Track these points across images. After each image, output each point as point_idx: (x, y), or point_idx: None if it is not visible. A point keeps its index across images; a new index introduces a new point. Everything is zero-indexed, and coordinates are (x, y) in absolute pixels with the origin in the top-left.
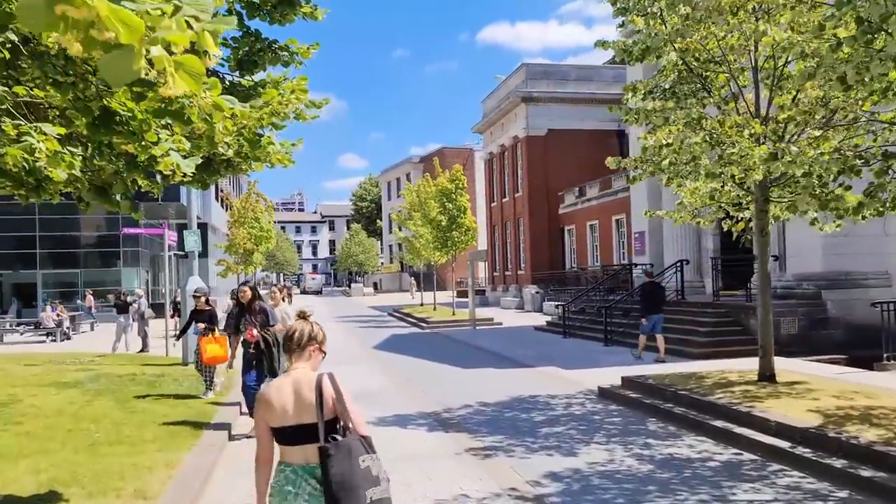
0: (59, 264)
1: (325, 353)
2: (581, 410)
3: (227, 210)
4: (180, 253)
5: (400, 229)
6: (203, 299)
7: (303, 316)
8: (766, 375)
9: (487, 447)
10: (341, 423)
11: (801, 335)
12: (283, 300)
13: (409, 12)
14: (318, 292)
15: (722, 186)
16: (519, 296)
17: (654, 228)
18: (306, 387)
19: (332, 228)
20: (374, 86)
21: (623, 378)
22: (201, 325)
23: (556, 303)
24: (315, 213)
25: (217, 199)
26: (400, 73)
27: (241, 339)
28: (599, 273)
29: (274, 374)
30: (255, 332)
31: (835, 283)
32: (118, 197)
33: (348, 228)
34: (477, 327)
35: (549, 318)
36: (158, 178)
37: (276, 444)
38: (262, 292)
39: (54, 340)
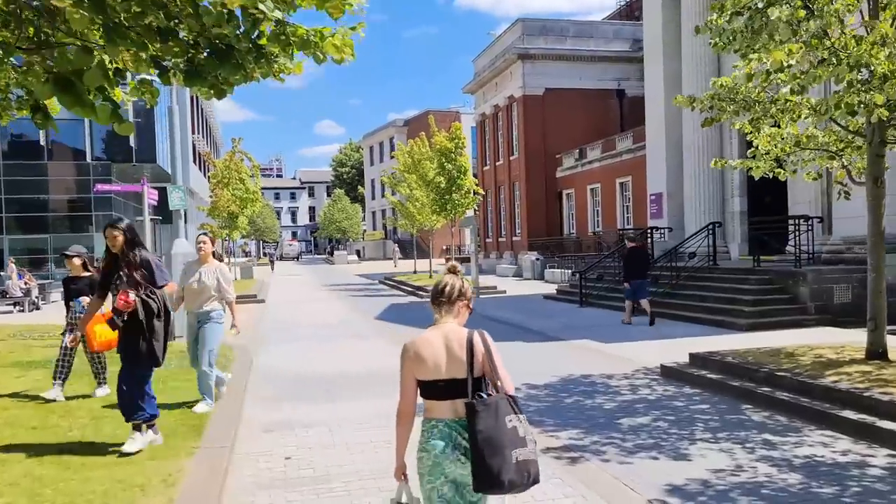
0: (26, 229)
1: (472, 310)
2: (653, 395)
3: (206, 175)
4: (157, 217)
5: (393, 193)
6: (79, 261)
7: (453, 270)
8: (878, 353)
9: (568, 446)
10: (487, 382)
11: (856, 304)
12: (221, 258)
13: None
14: (296, 258)
15: (820, 127)
16: (515, 263)
17: (673, 190)
18: (457, 342)
19: (311, 195)
20: None
21: (692, 355)
22: (85, 300)
23: (563, 270)
24: (294, 179)
25: (196, 161)
26: (377, 39)
27: (112, 307)
28: (605, 238)
29: (155, 362)
30: (130, 296)
31: (893, 247)
32: (92, 97)
33: (329, 195)
34: (480, 296)
35: (557, 286)
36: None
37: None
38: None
39: (22, 311)
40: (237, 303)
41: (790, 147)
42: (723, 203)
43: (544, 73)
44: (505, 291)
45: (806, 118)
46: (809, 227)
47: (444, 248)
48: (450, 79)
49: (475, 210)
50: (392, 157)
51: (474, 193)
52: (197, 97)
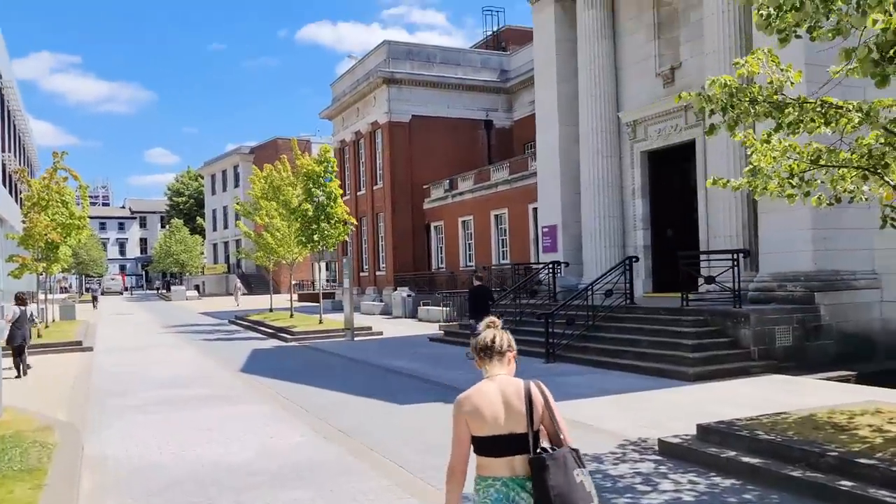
0: None
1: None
2: (670, 487)
3: (18, 197)
4: None
5: (245, 223)
6: None
7: (492, 324)
8: None
9: None
10: (545, 434)
11: (798, 347)
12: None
13: (226, 6)
14: (120, 293)
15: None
16: (380, 299)
17: (568, 222)
18: (514, 394)
19: (143, 226)
20: (187, 78)
21: (701, 427)
22: None
23: (439, 307)
24: (123, 208)
25: (5, 182)
26: (215, 68)
27: None
28: (496, 273)
29: None
30: None
31: (828, 285)
32: None
33: (164, 225)
34: (356, 338)
35: (442, 327)
36: None
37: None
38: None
39: None
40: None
41: (805, 165)
42: (623, 236)
43: (411, 99)
44: (382, 333)
45: (858, 125)
46: (735, 263)
47: (295, 283)
48: (292, 109)
49: (347, 241)
50: (237, 186)
51: (345, 223)
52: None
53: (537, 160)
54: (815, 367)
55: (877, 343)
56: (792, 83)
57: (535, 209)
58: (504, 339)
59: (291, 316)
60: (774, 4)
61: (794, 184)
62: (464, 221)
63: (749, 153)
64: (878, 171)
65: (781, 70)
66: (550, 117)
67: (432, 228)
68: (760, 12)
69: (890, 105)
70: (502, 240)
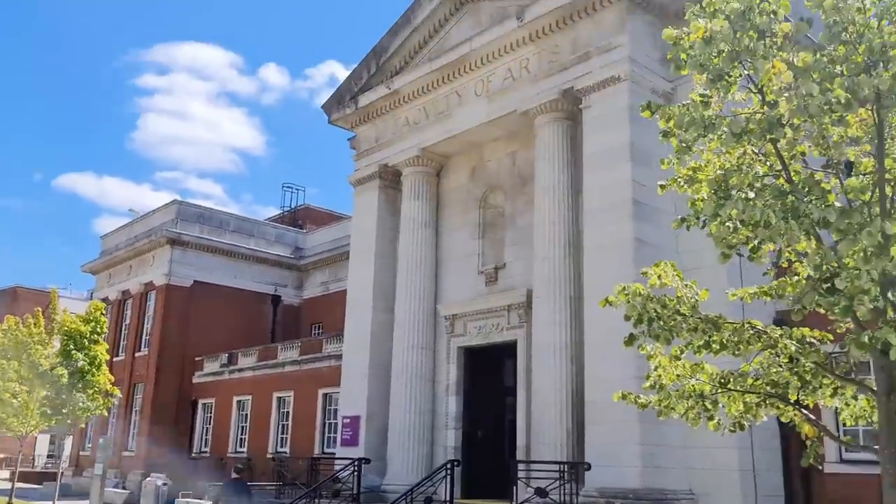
0: None
1: None
2: None
3: None
4: None
5: None
6: None
7: None
8: None
9: None
10: None
11: None
12: None
13: None
14: None
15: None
16: (123, 486)
17: (375, 414)
18: None
19: None
20: None
21: None
22: None
23: (202, 500)
24: None
25: None
26: None
27: None
28: (289, 464)
29: None
30: None
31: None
32: None
33: None
34: None
35: None
36: None
37: None
38: None
39: None
40: None
41: (710, 388)
42: (433, 433)
43: (195, 263)
44: None
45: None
46: (563, 475)
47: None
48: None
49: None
50: None
51: (108, 394)
52: None
53: (344, 344)
54: None
55: None
56: (697, 301)
57: (325, 395)
58: None
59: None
60: (740, 218)
61: (706, 406)
62: (240, 401)
63: (654, 368)
64: (782, 396)
65: (686, 286)
66: (364, 301)
67: (200, 406)
68: (725, 223)
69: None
70: (283, 425)
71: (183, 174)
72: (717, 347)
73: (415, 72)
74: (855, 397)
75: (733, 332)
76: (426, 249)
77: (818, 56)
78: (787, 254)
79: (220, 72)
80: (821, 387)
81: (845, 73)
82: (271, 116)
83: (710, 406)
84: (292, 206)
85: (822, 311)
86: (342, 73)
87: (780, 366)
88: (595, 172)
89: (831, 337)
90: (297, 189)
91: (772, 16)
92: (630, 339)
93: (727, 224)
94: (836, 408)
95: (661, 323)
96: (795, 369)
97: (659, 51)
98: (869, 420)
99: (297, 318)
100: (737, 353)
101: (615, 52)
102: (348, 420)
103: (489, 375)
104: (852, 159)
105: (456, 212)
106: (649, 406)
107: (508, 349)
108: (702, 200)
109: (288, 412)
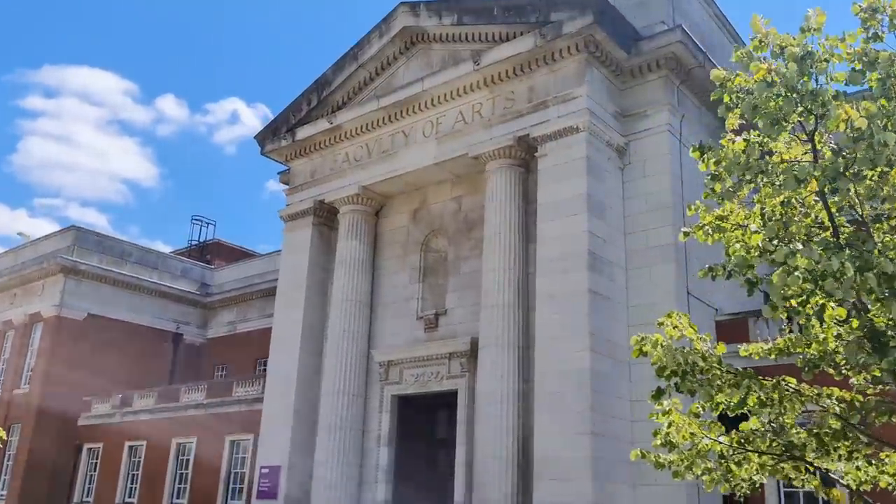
0: None
1: None
2: None
3: None
4: None
5: None
6: None
7: None
8: None
9: None
10: None
11: None
12: None
13: None
14: None
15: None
16: None
17: (296, 464)
18: None
19: None
20: None
21: None
22: None
23: None
24: None
25: None
26: None
27: None
28: None
29: None
30: None
31: None
32: None
33: None
34: None
35: None
36: None
37: None
38: None
39: None
40: None
41: (726, 448)
42: (361, 488)
43: (92, 295)
44: None
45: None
46: None
47: None
48: None
49: None
50: None
51: None
52: None
53: (266, 388)
54: None
55: None
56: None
57: (233, 442)
58: None
59: None
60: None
61: (730, 467)
62: (133, 447)
63: (667, 427)
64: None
65: (701, 339)
66: (291, 342)
67: (85, 451)
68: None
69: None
70: (182, 474)
71: (64, 201)
72: (756, 405)
73: (360, 108)
74: (870, 462)
75: (772, 389)
76: (362, 291)
77: (884, 104)
78: (829, 310)
79: (112, 98)
80: (835, 450)
81: None
82: (166, 149)
83: (734, 467)
84: (200, 240)
85: (830, 370)
86: (245, 111)
87: (800, 426)
88: (549, 221)
89: (861, 398)
90: (208, 223)
91: (827, 62)
92: (658, 394)
93: (796, 274)
94: (842, 472)
95: (697, 377)
96: (816, 430)
97: (614, 104)
98: (874, 485)
99: (199, 358)
100: (779, 411)
101: (574, 103)
102: (267, 470)
103: (425, 426)
104: None
105: (395, 254)
106: (666, 466)
107: (447, 399)
108: (756, 248)
109: (188, 460)
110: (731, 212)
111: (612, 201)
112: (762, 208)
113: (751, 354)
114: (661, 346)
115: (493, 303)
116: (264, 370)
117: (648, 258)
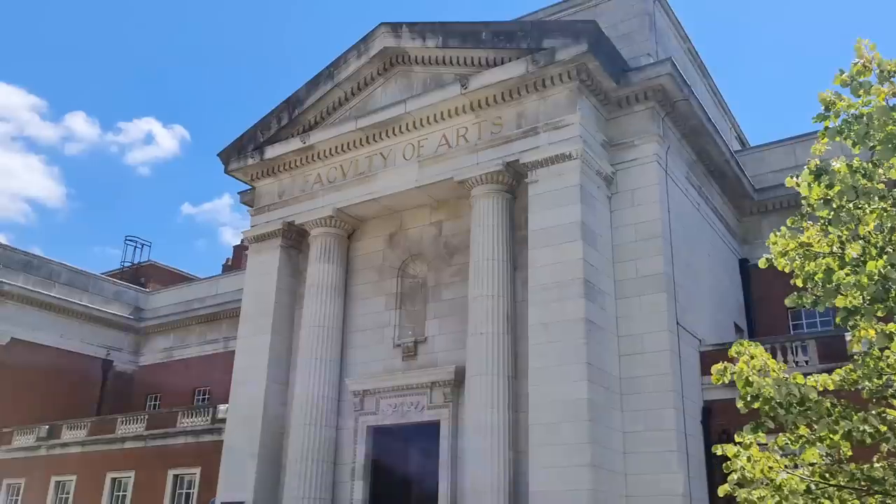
0: None
1: None
2: None
3: None
4: None
5: None
6: None
7: None
8: None
9: None
10: None
11: None
12: None
13: None
14: None
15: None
16: None
17: (263, 498)
18: None
19: None
20: None
21: None
22: None
23: None
24: None
25: None
26: None
27: None
28: None
29: None
30: None
31: None
32: None
33: None
34: None
35: None
36: None
37: None
38: None
39: None
40: None
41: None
42: None
43: (15, 318)
44: None
45: None
46: None
47: None
48: None
49: None
50: None
51: None
52: None
53: (228, 418)
54: None
55: None
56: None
57: (177, 476)
58: None
59: None
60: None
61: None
62: (60, 482)
63: (747, 460)
64: (886, 492)
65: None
66: (256, 370)
67: (5, 486)
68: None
69: None
70: None
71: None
72: (842, 439)
73: (336, 128)
74: None
75: (862, 422)
76: (334, 317)
77: None
78: None
79: (17, 114)
80: None
81: None
82: (75, 168)
83: (825, 502)
84: (133, 261)
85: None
86: (160, 132)
87: (883, 460)
88: (541, 249)
89: None
90: (143, 243)
91: None
92: (755, 427)
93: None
94: None
95: (792, 410)
96: None
97: (602, 133)
98: None
99: (130, 386)
100: (866, 443)
101: (566, 130)
102: None
103: (403, 459)
104: None
105: (369, 279)
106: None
107: (428, 430)
108: (867, 275)
109: (125, 496)
110: (816, 240)
111: (602, 230)
112: (864, 235)
113: (822, 385)
114: (754, 376)
115: (482, 331)
116: (203, 399)
117: (638, 288)
